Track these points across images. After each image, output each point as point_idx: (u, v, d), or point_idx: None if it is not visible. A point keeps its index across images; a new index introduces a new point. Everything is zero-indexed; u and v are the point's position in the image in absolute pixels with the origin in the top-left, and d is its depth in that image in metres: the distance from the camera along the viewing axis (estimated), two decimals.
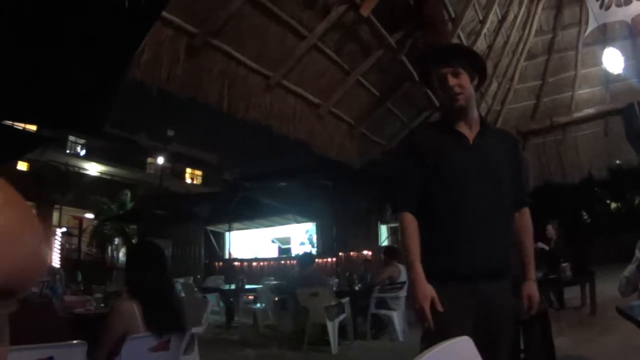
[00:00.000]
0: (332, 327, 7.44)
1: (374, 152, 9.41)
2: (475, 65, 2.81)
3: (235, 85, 6.14)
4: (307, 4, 6.49)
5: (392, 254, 9.03)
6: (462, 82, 2.70)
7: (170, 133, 32.30)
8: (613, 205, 11.78)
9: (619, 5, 10.01)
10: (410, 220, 2.69)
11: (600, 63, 10.02)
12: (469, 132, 2.77)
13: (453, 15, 8.26)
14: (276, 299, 9.69)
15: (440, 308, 2.49)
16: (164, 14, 4.94)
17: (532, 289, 2.69)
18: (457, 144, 2.73)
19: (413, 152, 2.80)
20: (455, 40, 8.11)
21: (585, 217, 12.14)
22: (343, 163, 8.86)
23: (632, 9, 10.06)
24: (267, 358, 7.52)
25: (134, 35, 3.91)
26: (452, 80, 2.68)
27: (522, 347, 4.01)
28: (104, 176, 32.81)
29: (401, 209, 2.72)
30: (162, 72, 5.29)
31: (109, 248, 26.76)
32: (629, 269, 3.60)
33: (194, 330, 3.64)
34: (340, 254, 17.06)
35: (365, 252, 16.24)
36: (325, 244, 18.76)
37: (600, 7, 10.09)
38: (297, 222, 19.07)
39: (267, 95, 6.68)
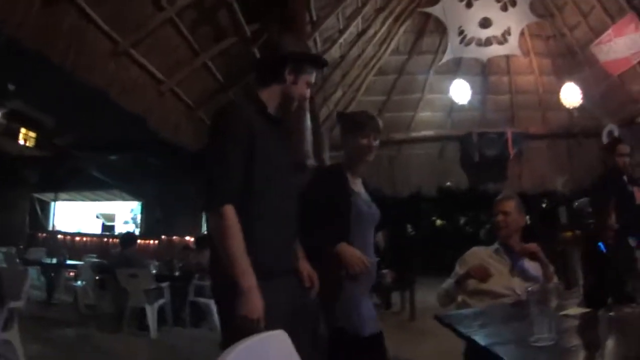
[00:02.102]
0: (150, 311, 7.33)
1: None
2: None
3: (82, 44, 5.72)
4: None
5: (205, 242, 8.96)
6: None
7: (12, 87, 29.72)
8: (439, 222, 12.48)
9: (479, 44, 10.71)
10: (234, 216, 2.46)
11: (447, 91, 10.55)
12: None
13: (315, 18, 8.34)
14: (97, 277, 9.27)
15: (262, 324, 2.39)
16: None
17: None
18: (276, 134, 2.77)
19: (240, 134, 2.59)
20: (310, 44, 8.20)
21: (410, 230, 12.80)
22: (177, 145, 8.64)
23: (490, 50, 10.82)
24: (87, 339, 7.25)
25: None
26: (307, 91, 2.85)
27: None
28: None
29: (221, 202, 2.47)
30: (14, 16, 4.85)
31: None
32: (448, 282, 3.84)
33: (13, 304, 3.36)
34: (164, 237, 16.81)
35: (187, 237, 16.10)
36: (150, 225, 18.46)
37: (461, 42, 10.74)
38: (124, 199, 18.57)
39: (112, 62, 6.32)
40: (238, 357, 1.60)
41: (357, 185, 3.41)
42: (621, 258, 2.36)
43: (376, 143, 3.39)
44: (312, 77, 2.84)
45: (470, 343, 2.27)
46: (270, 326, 2.18)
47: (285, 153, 2.87)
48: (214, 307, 7.82)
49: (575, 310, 2.32)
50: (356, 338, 3.24)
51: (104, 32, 5.99)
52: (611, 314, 1.30)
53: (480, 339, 2.19)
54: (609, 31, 10.30)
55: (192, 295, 8.17)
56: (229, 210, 2.44)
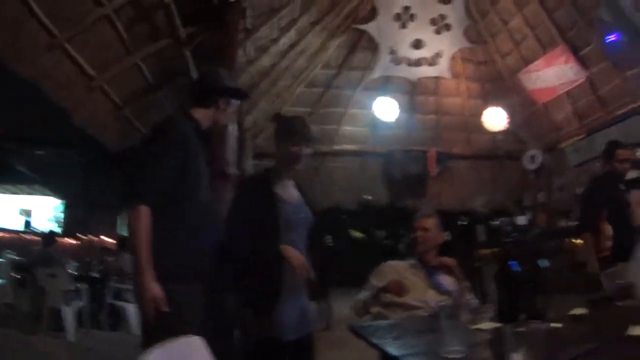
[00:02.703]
0: (67, 313, 7.10)
1: (135, 139, 9.13)
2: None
3: (19, 36, 5.58)
4: None
5: (125, 243, 8.81)
6: None
7: None
8: (357, 234, 12.57)
9: (409, 64, 10.95)
10: (147, 217, 2.65)
11: (374, 108, 10.70)
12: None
13: (249, 26, 8.34)
14: (16, 275, 8.95)
15: (165, 308, 2.55)
16: None
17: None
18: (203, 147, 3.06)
19: (173, 141, 2.88)
20: (240, 52, 8.19)
21: (329, 241, 12.87)
22: (102, 143, 8.48)
23: (420, 71, 11.08)
24: (5, 339, 6.94)
25: None
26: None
27: None
28: None
29: (140, 200, 2.67)
30: None
31: None
32: (364, 294, 3.93)
33: None
34: (84, 237, 16.39)
35: (107, 239, 15.77)
36: (71, 224, 17.87)
37: (391, 61, 10.93)
38: (45, 195, 17.95)
39: (48, 55, 6.15)
40: None
41: (287, 190, 3.43)
42: (533, 277, 2.50)
43: (307, 152, 3.41)
44: (237, 107, 3.35)
45: (384, 354, 2.33)
46: (183, 329, 2.21)
47: (208, 166, 3.12)
48: (132, 310, 7.72)
49: (487, 324, 2.43)
50: (278, 343, 3.28)
51: (42, 25, 5.83)
52: (520, 329, 1.38)
53: (394, 350, 2.26)
54: (540, 61, 10.74)
55: (110, 298, 8.01)
56: (143, 211, 2.62)
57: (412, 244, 4.14)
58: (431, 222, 4.11)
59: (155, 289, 2.56)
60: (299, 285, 3.32)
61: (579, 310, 2.59)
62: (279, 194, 3.33)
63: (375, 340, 2.49)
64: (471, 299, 3.94)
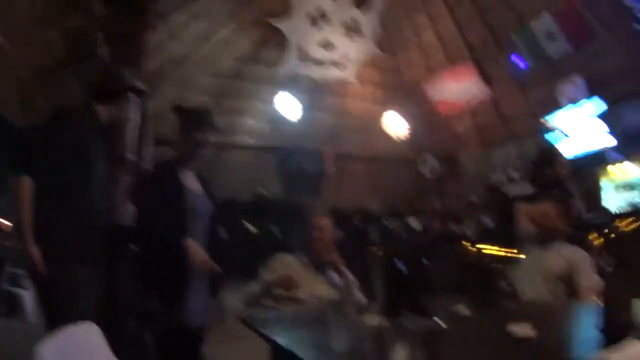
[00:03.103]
0: None
1: (39, 116, 8.76)
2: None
3: None
4: None
5: None
6: None
7: None
8: (250, 228, 12.54)
9: (317, 64, 11.03)
10: (29, 187, 2.73)
11: (276, 103, 10.73)
12: None
13: (162, 12, 8.18)
14: None
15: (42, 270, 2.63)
16: None
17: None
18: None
19: (67, 124, 3.03)
20: (151, 37, 8.01)
21: (223, 234, 12.77)
22: (5, 119, 8.11)
23: (326, 72, 11.20)
24: None
25: None
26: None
27: None
28: None
29: (23, 171, 2.75)
30: None
31: None
32: (255, 287, 3.98)
33: None
34: None
35: (3, 220, 15.00)
36: None
37: (300, 59, 10.96)
38: None
39: None
40: (51, 350, 1.61)
41: (190, 180, 3.44)
42: (419, 276, 2.60)
43: (211, 139, 3.47)
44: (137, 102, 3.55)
45: (274, 345, 2.38)
46: (74, 313, 2.20)
47: (106, 150, 3.20)
48: (26, 297, 7.41)
49: (373, 319, 2.53)
50: (185, 332, 3.29)
51: None
52: (405, 325, 1.45)
53: (283, 341, 2.29)
54: (446, 75, 11.15)
55: (5, 284, 7.63)
56: (26, 181, 2.71)
57: (307, 241, 4.19)
58: (326, 221, 4.20)
59: (35, 252, 2.63)
60: (203, 276, 3.35)
61: (462, 309, 2.73)
62: (184, 183, 3.34)
63: (265, 332, 2.53)
64: (359, 295, 4.06)
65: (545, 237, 4.04)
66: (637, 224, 4.42)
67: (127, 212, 3.43)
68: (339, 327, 2.09)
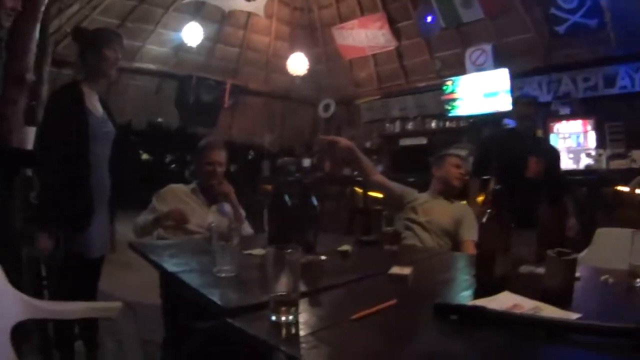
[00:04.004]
0: None
1: None
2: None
3: None
4: None
5: None
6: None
7: None
8: (145, 156, 12.22)
9: None
10: None
11: (180, 30, 10.46)
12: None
13: None
14: None
15: None
16: None
17: None
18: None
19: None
20: None
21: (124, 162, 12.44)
22: None
23: (234, 3, 11.08)
24: None
25: None
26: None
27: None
28: None
29: None
30: None
31: None
32: (146, 217, 3.98)
33: None
34: None
35: None
36: None
37: None
38: None
39: None
40: None
41: (94, 103, 3.39)
42: (304, 212, 2.71)
43: (119, 57, 3.47)
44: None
45: (161, 270, 2.46)
46: None
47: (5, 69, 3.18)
48: None
49: (258, 251, 2.64)
50: (86, 260, 3.29)
51: None
52: (289, 257, 1.53)
53: (169, 266, 2.38)
54: (355, 21, 11.31)
55: None
56: None
57: (204, 174, 4.19)
58: (223, 155, 4.23)
59: None
60: (104, 204, 3.35)
61: (345, 247, 2.86)
62: (87, 106, 3.29)
63: (153, 257, 2.58)
64: (247, 227, 4.16)
65: (436, 190, 4.24)
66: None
67: (26, 136, 3.35)
68: (223, 255, 2.16)
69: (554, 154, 5.55)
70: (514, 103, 7.22)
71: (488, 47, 9.51)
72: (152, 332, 2.84)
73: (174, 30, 10.81)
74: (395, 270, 2.22)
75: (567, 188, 5.63)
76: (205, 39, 10.68)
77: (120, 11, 10.33)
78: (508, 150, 5.23)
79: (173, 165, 11.70)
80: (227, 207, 4.09)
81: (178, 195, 4.09)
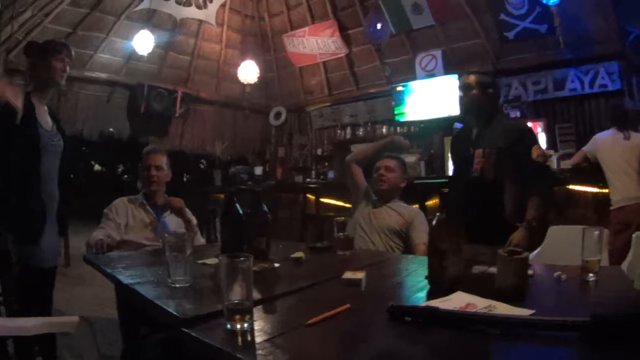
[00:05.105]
0: None
1: None
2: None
3: None
4: None
5: None
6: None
7: None
8: (97, 167, 12.02)
9: (178, 2, 10.74)
10: None
11: (131, 38, 10.34)
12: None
13: None
14: None
15: None
16: None
17: None
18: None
19: None
20: None
21: (70, 175, 12.24)
22: None
23: (186, 11, 10.94)
24: None
25: None
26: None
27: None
28: None
29: None
30: None
31: None
32: (98, 231, 3.89)
33: None
34: None
35: None
36: None
37: None
38: None
39: None
40: None
41: (43, 115, 3.37)
42: (256, 220, 2.72)
43: (68, 68, 3.49)
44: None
45: (116, 282, 2.44)
46: None
47: None
48: None
49: (212, 260, 2.65)
50: (39, 271, 3.24)
51: None
52: (242, 265, 1.53)
53: (124, 278, 2.38)
54: (306, 28, 11.36)
55: None
56: None
57: (144, 181, 4.19)
58: (160, 159, 4.23)
59: None
60: (52, 215, 3.32)
61: (298, 254, 2.88)
62: (37, 118, 3.27)
63: (107, 270, 2.56)
64: (199, 237, 4.15)
65: (384, 194, 4.30)
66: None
67: None
68: (176, 266, 2.16)
69: (513, 134, 3.62)
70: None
71: (438, 53, 9.64)
72: (111, 345, 2.82)
73: (125, 39, 10.68)
74: (348, 275, 2.25)
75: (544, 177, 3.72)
76: (157, 47, 10.57)
77: (71, 19, 10.17)
78: (458, 150, 4.23)
79: (125, 176, 11.57)
80: (173, 220, 4.07)
81: (126, 209, 4.07)
